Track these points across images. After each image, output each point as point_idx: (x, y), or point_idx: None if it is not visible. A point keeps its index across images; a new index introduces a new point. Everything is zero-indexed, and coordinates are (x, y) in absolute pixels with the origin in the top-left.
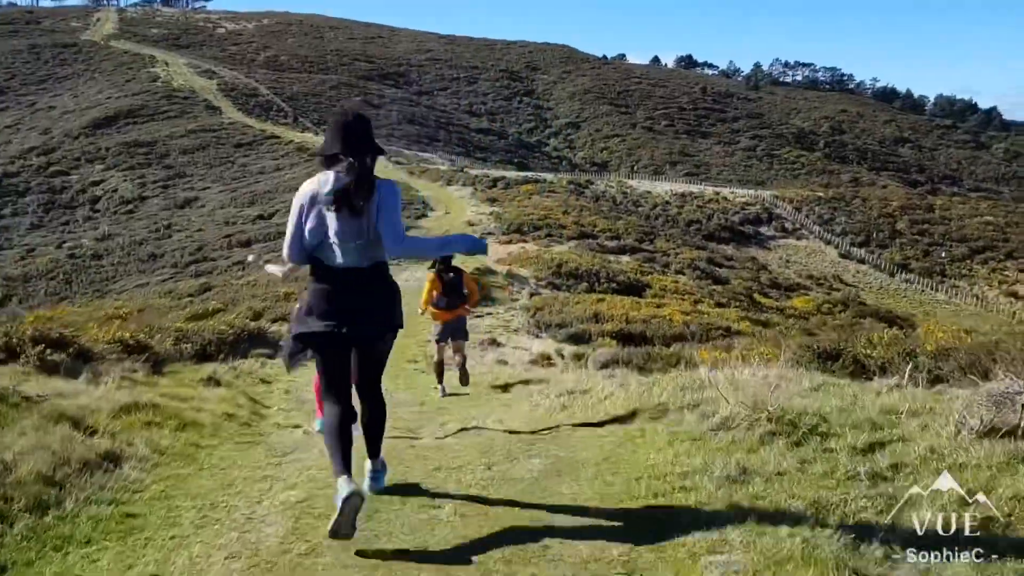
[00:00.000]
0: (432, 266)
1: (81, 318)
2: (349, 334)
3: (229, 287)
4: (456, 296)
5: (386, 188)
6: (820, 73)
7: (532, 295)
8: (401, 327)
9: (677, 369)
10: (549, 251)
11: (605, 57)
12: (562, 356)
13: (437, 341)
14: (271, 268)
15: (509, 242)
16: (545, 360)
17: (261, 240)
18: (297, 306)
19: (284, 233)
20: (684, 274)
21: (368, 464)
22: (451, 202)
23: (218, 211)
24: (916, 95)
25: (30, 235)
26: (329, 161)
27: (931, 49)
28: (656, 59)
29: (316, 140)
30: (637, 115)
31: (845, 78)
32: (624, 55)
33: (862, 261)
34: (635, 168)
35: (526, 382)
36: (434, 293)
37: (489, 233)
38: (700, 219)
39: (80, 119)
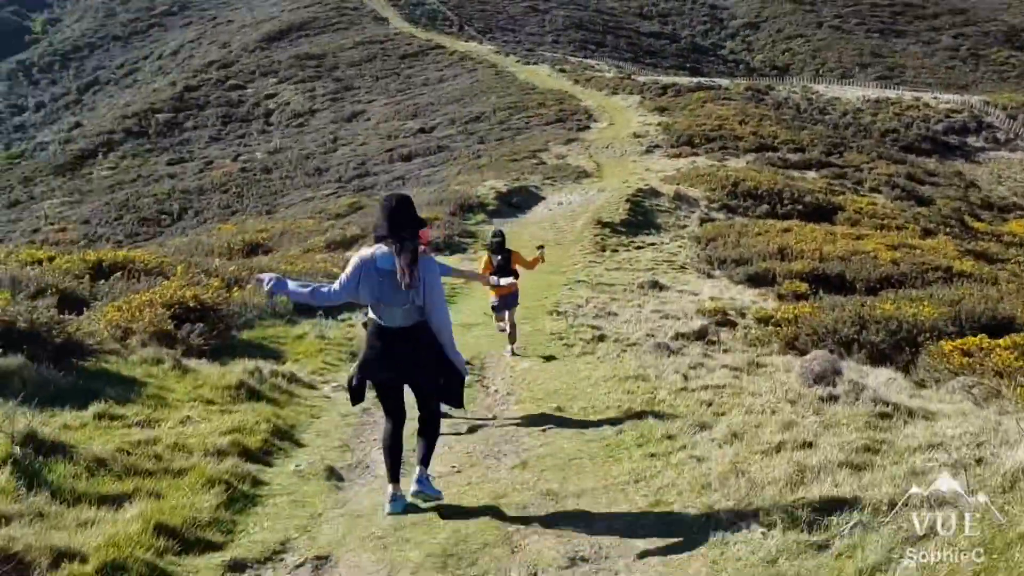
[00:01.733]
0: (487, 247)
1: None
2: (401, 382)
3: (373, 209)
4: (505, 274)
5: (427, 262)
6: None
7: (703, 221)
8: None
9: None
10: (723, 167)
11: None
12: (743, 315)
13: (495, 310)
14: (267, 275)
15: (678, 156)
16: (720, 318)
17: (422, 154)
18: (360, 354)
19: (442, 147)
20: (881, 192)
21: (417, 470)
22: (617, 112)
23: (382, 124)
24: None
25: (209, 148)
26: (379, 239)
27: None
28: None
29: (480, 50)
30: (823, 13)
31: None
32: None
33: None
34: (820, 72)
35: (688, 391)
36: (486, 272)
37: (656, 146)
38: (897, 128)
39: (256, 32)
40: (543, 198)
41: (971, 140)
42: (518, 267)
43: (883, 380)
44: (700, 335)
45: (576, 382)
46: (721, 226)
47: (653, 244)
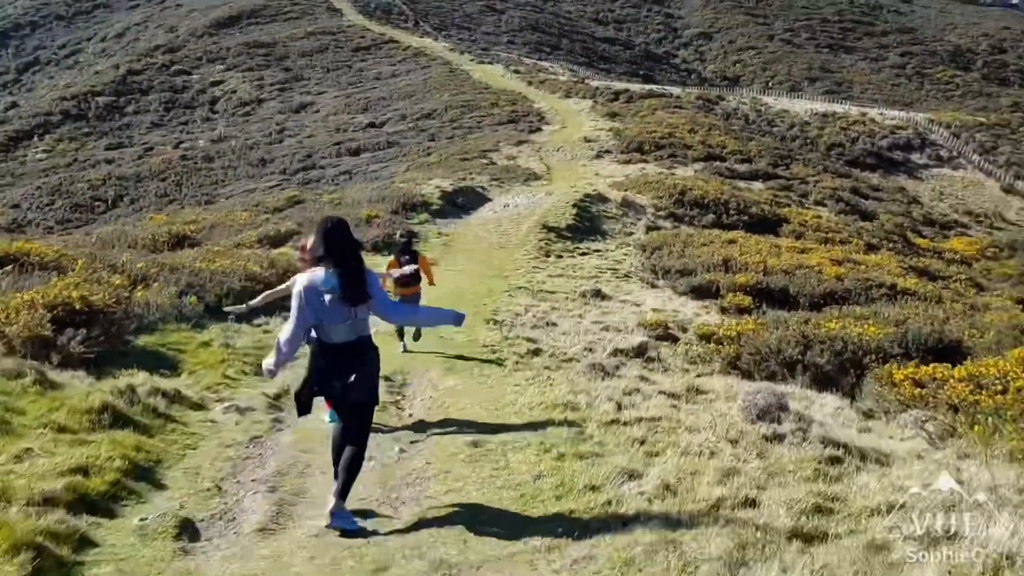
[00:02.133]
0: (396, 246)
1: (138, 232)
2: (345, 399)
3: (316, 204)
4: (412, 277)
5: (371, 276)
6: None
7: (649, 229)
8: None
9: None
10: (672, 175)
11: None
12: (685, 330)
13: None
14: (265, 363)
15: (628, 162)
16: (661, 332)
17: (371, 149)
18: (305, 374)
19: (392, 143)
20: (825, 206)
21: (332, 502)
22: (569, 115)
23: (331, 117)
24: None
25: (150, 133)
26: (318, 261)
27: None
28: None
29: (434, 46)
30: (775, 26)
31: None
32: None
33: None
34: (770, 84)
35: (636, 422)
36: (394, 264)
37: (606, 151)
38: (843, 142)
39: (205, 18)
40: (489, 199)
41: (915, 156)
42: (422, 273)
43: (830, 411)
44: (639, 352)
45: (500, 408)
46: (667, 235)
47: (598, 251)
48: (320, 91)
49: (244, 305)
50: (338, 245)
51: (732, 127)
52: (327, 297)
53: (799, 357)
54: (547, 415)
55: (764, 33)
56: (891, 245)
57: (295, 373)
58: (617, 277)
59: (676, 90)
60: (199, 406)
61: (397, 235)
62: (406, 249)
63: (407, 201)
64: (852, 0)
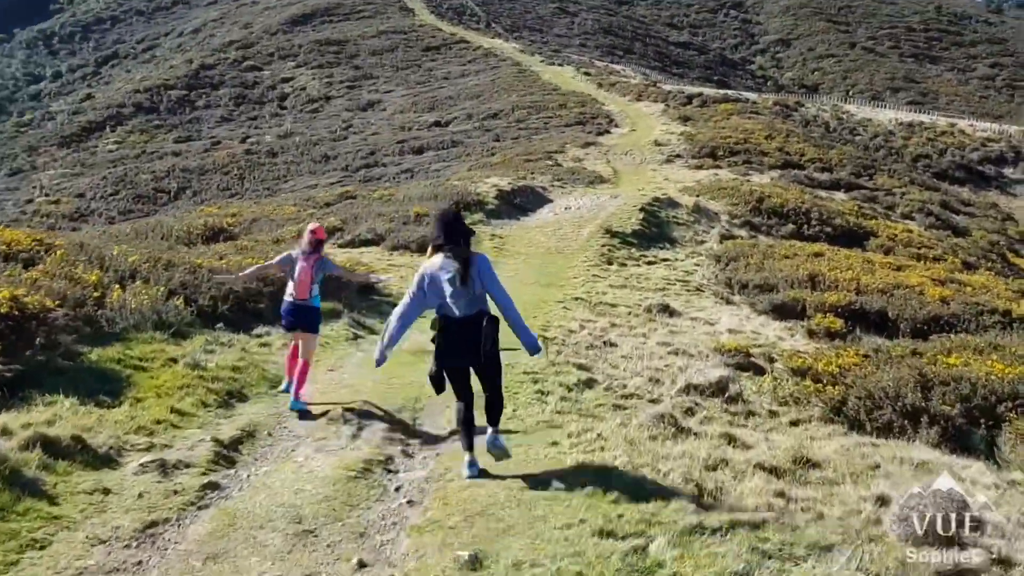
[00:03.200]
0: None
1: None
2: (471, 365)
3: (365, 200)
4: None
5: (480, 259)
6: None
7: (724, 238)
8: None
9: None
10: (747, 182)
11: None
12: (771, 360)
13: None
14: (377, 351)
15: (699, 167)
16: (742, 360)
17: (434, 148)
18: (434, 346)
19: (456, 142)
20: (914, 219)
21: (489, 431)
22: (640, 118)
23: (397, 115)
24: None
25: (218, 128)
26: (437, 248)
27: None
28: None
29: (505, 47)
30: (858, 34)
31: None
32: None
33: None
34: (850, 93)
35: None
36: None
37: (677, 156)
38: (930, 154)
39: (280, 15)
40: (550, 200)
41: (1008, 171)
42: None
43: (992, 495)
44: (719, 388)
45: (519, 493)
46: (743, 245)
47: (667, 260)
48: (388, 89)
49: (234, 275)
50: (455, 232)
51: (811, 134)
52: (447, 280)
53: (922, 404)
54: (591, 516)
55: (845, 41)
56: (989, 264)
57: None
58: (688, 290)
59: (752, 95)
60: (108, 460)
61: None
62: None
63: (461, 199)
64: (939, 9)
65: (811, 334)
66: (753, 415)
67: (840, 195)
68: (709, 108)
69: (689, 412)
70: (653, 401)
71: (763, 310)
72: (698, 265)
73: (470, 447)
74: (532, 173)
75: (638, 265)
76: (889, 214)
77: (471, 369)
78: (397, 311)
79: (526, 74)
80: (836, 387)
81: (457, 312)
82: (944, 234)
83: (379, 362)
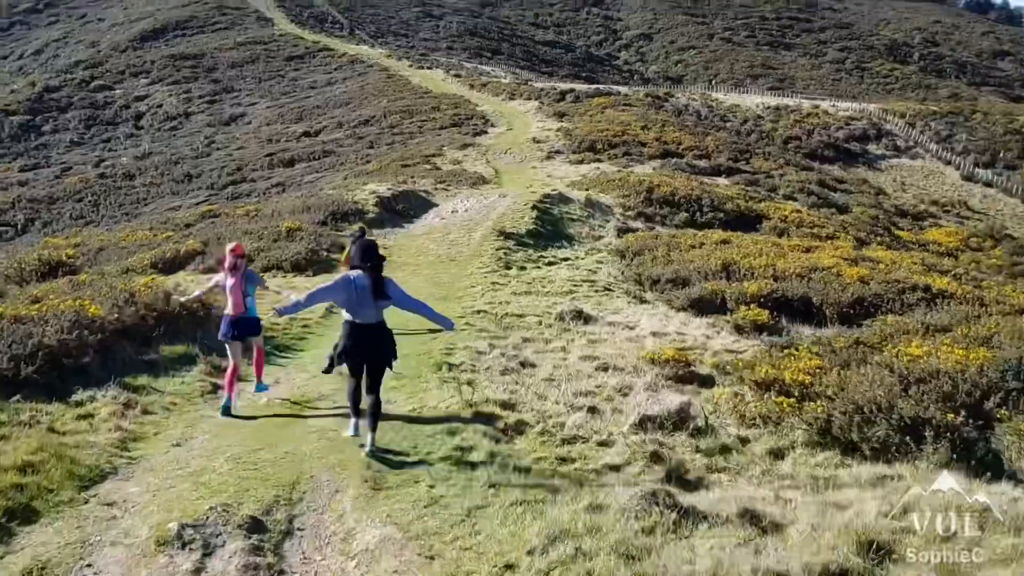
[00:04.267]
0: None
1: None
2: (366, 362)
3: (231, 218)
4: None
5: (389, 281)
6: None
7: (621, 231)
8: (393, 361)
9: None
10: (631, 173)
11: None
12: (724, 371)
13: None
14: (281, 305)
15: (581, 162)
16: (682, 370)
17: (305, 159)
18: (337, 342)
19: (328, 152)
20: (796, 199)
21: (369, 438)
22: (515, 117)
23: (263, 128)
24: (1012, 6)
25: (69, 153)
26: (355, 267)
27: None
28: None
29: (371, 53)
30: (715, 25)
31: None
32: None
33: (989, 184)
34: (713, 83)
35: None
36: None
37: (557, 152)
38: (799, 135)
39: (128, 31)
40: (435, 204)
41: (872, 147)
42: None
43: None
44: (680, 419)
45: None
46: (645, 237)
47: (567, 259)
48: (251, 102)
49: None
50: (369, 258)
51: (685, 123)
52: (359, 291)
53: (922, 415)
54: None
55: (704, 32)
56: (878, 239)
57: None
58: (596, 291)
59: (623, 89)
60: None
61: (353, 230)
62: (363, 235)
63: (337, 210)
64: None
65: (739, 329)
66: (728, 451)
67: (722, 180)
68: (583, 103)
69: (657, 459)
70: (603, 444)
71: (681, 306)
72: (601, 262)
73: (356, 414)
74: (412, 177)
75: (538, 267)
76: (772, 196)
77: (362, 367)
78: (312, 291)
79: (395, 79)
80: (816, 402)
81: (360, 320)
82: (829, 212)
83: (281, 313)
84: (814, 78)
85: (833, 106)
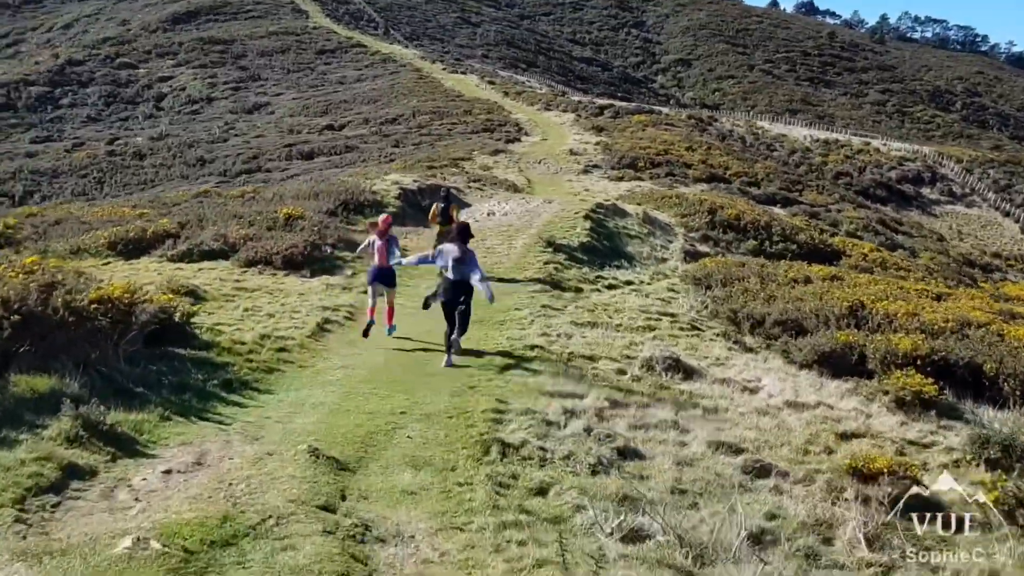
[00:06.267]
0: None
1: None
2: (455, 300)
3: (220, 199)
4: (447, 218)
5: (471, 252)
6: (952, 31)
7: (688, 254)
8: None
9: None
10: (680, 193)
11: None
12: (964, 500)
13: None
14: (405, 259)
15: (621, 178)
16: (901, 487)
17: (326, 153)
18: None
19: (351, 148)
20: (861, 237)
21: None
22: (550, 127)
23: (286, 119)
24: None
25: (84, 128)
26: (451, 240)
27: None
28: (774, 3)
29: (404, 53)
30: (755, 56)
31: (978, 39)
32: None
33: None
34: (750, 114)
35: None
36: (435, 216)
37: (595, 166)
38: (850, 172)
39: (160, 12)
40: (467, 205)
41: (926, 191)
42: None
43: None
44: None
45: None
46: (726, 264)
47: (631, 283)
48: (278, 92)
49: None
50: (463, 237)
51: (732, 148)
52: (451, 258)
53: None
54: None
55: (744, 63)
56: (965, 288)
57: None
58: (682, 329)
59: (664, 109)
60: None
61: (440, 194)
62: (445, 200)
63: (351, 199)
64: (832, 35)
65: (900, 404)
66: None
67: (779, 211)
68: (622, 119)
69: None
70: None
71: (805, 362)
72: (674, 290)
73: (448, 350)
74: (442, 172)
75: (598, 291)
76: (835, 231)
77: (452, 309)
78: (421, 255)
79: (427, 80)
80: None
81: (452, 276)
82: (902, 254)
83: (399, 264)
84: (854, 118)
85: (885, 144)
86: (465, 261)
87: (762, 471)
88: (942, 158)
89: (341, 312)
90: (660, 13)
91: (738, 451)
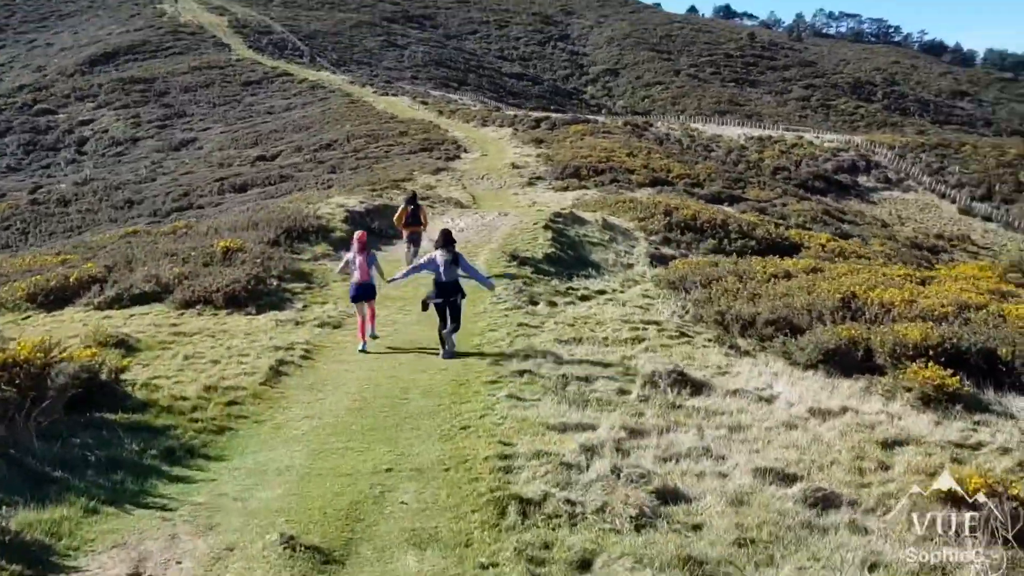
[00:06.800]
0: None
1: None
2: (449, 301)
3: (149, 238)
4: (416, 221)
5: (460, 255)
6: (866, 24)
7: (655, 258)
8: (463, 296)
9: None
10: (630, 196)
11: (639, 1)
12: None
13: (408, 243)
14: (396, 275)
15: (566, 188)
16: (1003, 505)
17: (260, 184)
18: (428, 294)
19: (285, 177)
20: (810, 229)
21: (451, 339)
22: (489, 143)
23: (215, 153)
24: (965, 48)
25: (4, 179)
26: (438, 247)
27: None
28: (692, 8)
29: (333, 79)
30: (680, 62)
31: (891, 30)
32: (659, 3)
33: (988, 218)
34: (680, 118)
35: None
36: (404, 217)
37: (539, 178)
38: (787, 166)
39: (77, 56)
40: None
41: (862, 179)
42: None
43: None
44: None
45: None
46: (699, 265)
47: (603, 292)
48: (205, 127)
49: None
50: (447, 242)
51: (671, 152)
52: (444, 264)
53: None
54: None
55: (669, 69)
56: (924, 271)
57: None
58: (671, 338)
59: (600, 117)
60: None
61: (406, 196)
62: (414, 201)
63: (295, 226)
64: (752, 36)
65: (927, 402)
66: None
67: (728, 208)
68: (560, 130)
69: None
70: None
71: (808, 362)
72: (649, 296)
73: (443, 344)
74: (387, 194)
75: (573, 303)
76: (785, 225)
77: (446, 307)
78: (411, 266)
79: (359, 104)
80: None
81: (444, 279)
82: (858, 241)
83: (394, 281)
84: (781, 114)
85: (817, 137)
86: (458, 263)
87: (827, 502)
88: (874, 146)
89: (296, 351)
90: (584, 25)
91: (788, 478)
